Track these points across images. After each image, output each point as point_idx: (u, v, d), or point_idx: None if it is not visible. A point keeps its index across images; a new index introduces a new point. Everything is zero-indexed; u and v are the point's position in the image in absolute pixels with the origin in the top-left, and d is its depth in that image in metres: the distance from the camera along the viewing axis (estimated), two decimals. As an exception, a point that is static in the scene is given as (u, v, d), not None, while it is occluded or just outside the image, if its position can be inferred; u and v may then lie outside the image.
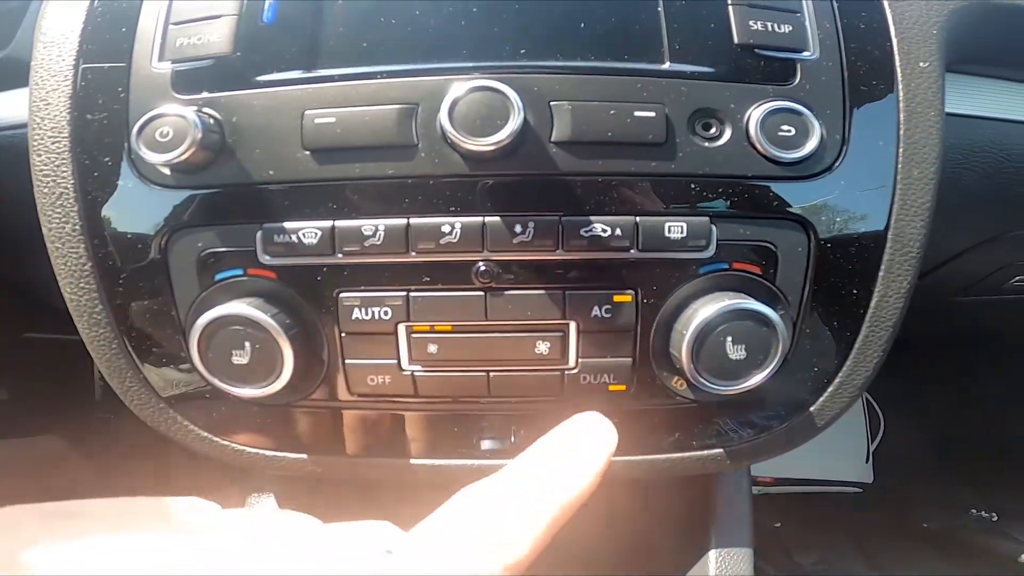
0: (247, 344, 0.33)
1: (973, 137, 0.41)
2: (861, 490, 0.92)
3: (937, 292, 0.58)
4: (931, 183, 0.34)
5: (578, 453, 0.24)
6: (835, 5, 0.36)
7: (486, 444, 0.40)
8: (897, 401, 1.00)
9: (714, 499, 0.49)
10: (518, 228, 0.33)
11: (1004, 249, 0.49)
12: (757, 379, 0.33)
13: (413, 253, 0.34)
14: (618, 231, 0.33)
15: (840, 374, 0.37)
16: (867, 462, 0.94)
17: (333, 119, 0.34)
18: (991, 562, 0.72)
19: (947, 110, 0.40)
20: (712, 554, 0.48)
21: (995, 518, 0.79)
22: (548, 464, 0.23)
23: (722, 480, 0.49)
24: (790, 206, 0.34)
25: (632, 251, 0.34)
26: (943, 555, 0.78)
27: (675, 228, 0.33)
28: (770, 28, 0.35)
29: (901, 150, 0.35)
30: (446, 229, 0.33)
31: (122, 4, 0.37)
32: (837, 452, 0.94)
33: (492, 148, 0.32)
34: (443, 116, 0.32)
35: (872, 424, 0.97)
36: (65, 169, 0.36)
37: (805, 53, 0.35)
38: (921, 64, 0.36)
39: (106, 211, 0.36)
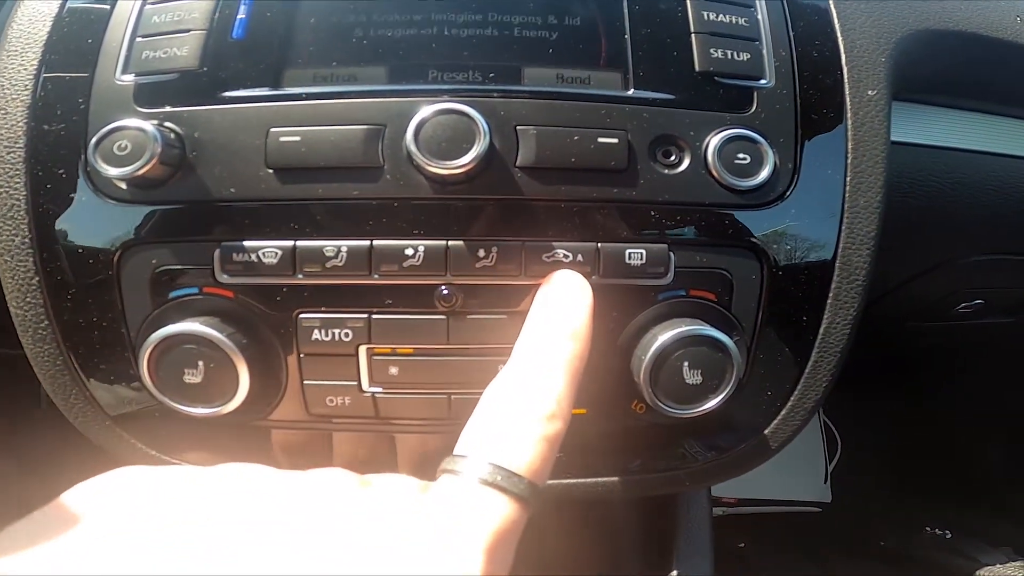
0: (200, 363, 0.33)
1: (919, 166, 0.44)
2: (820, 510, 0.95)
3: (889, 318, 0.61)
4: (876, 212, 0.36)
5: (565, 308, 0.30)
6: (791, 33, 0.38)
7: (443, 466, 0.40)
8: (854, 422, 1.03)
9: (676, 526, 0.50)
10: (481, 252, 0.34)
11: (950, 276, 0.52)
12: (713, 403, 0.34)
13: (376, 275, 0.34)
14: (580, 257, 0.34)
15: (792, 398, 0.38)
16: (825, 482, 0.97)
17: (298, 138, 0.34)
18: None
19: (895, 139, 0.42)
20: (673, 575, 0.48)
21: (949, 535, 0.82)
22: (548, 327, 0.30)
23: (683, 506, 0.50)
24: (744, 234, 0.35)
25: (593, 277, 0.34)
26: (899, 573, 0.80)
27: (635, 255, 0.34)
28: (730, 56, 0.36)
29: (848, 179, 0.36)
30: (409, 252, 0.33)
31: (90, 15, 0.37)
32: (796, 473, 0.96)
33: (457, 172, 0.32)
34: (409, 138, 0.32)
35: (830, 445, 1.00)
36: (18, 181, 0.35)
37: (762, 81, 0.37)
38: (869, 92, 0.38)
39: (58, 225, 0.35)
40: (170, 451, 0.38)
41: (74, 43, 0.36)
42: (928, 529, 0.82)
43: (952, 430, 0.96)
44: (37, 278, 0.35)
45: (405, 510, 0.24)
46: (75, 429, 0.38)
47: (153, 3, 0.36)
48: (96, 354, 0.35)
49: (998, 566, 0.68)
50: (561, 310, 0.31)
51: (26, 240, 0.35)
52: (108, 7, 0.37)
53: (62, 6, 0.37)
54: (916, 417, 1.01)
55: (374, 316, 0.34)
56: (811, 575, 0.82)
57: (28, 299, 0.35)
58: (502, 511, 0.24)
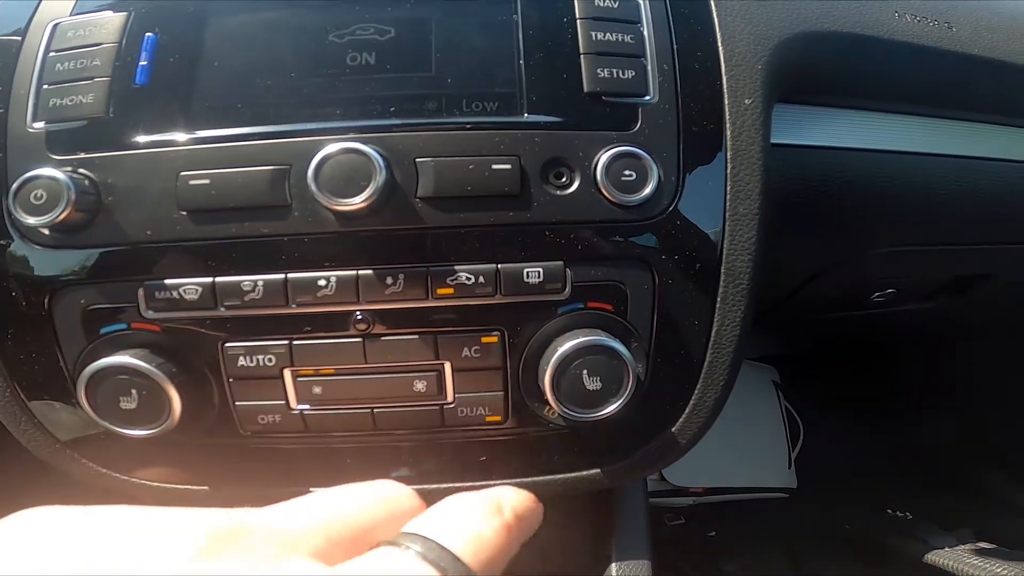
0: (133, 391, 0.37)
1: (808, 166, 0.48)
2: (787, 495, 1.01)
3: (806, 311, 0.66)
4: (756, 218, 0.41)
5: None
6: (675, 47, 0.42)
7: (378, 472, 0.45)
8: (817, 408, 1.09)
9: (613, 514, 0.55)
10: (389, 280, 0.38)
11: (857, 270, 0.57)
12: (613, 407, 0.39)
13: (293, 305, 0.38)
14: (481, 278, 0.39)
15: (693, 397, 0.43)
16: (790, 468, 1.03)
17: (208, 180, 0.38)
18: (906, 564, 0.81)
19: (789, 142, 0.46)
20: (613, 567, 0.54)
21: (910, 517, 0.88)
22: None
23: (619, 496, 0.55)
24: (634, 247, 0.40)
25: (496, 296, 0.39)
26: (862, 556, 0.86)
27: (533, 273, 0.39)
28: (616, 75, 0.40)
29: (729, 187, 0.41)
30: (322, 283, 0.38)
31: None
32: (761, 460, 1.02)
33: (355, 208, 0.37)
34: (310, 178, 0.37)
35: (792, 432, 1.06)
36: None
37: (646, 97, 0.41)
38: (746, 101, 0.42)
39: None
40: (122, 470, 0.43)
41: None
42: (890, 511, 0.88)
43: (910, 413, 1.02)
44: (-23, 321, 0.40)
45: None
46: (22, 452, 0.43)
47: (56, 51, 0.40)
48: (39, 385, 0.40)
49: (947, 549, 0.74)
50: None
51: (-38, 286, 0.39)
52: (14, 51, 0.41)
53: None
54: (877, 401, 1.07)
55: (295, 342, 0.39)
56: (779, 560, 0.89)
57: (-30, 340, 0.40)
58: None
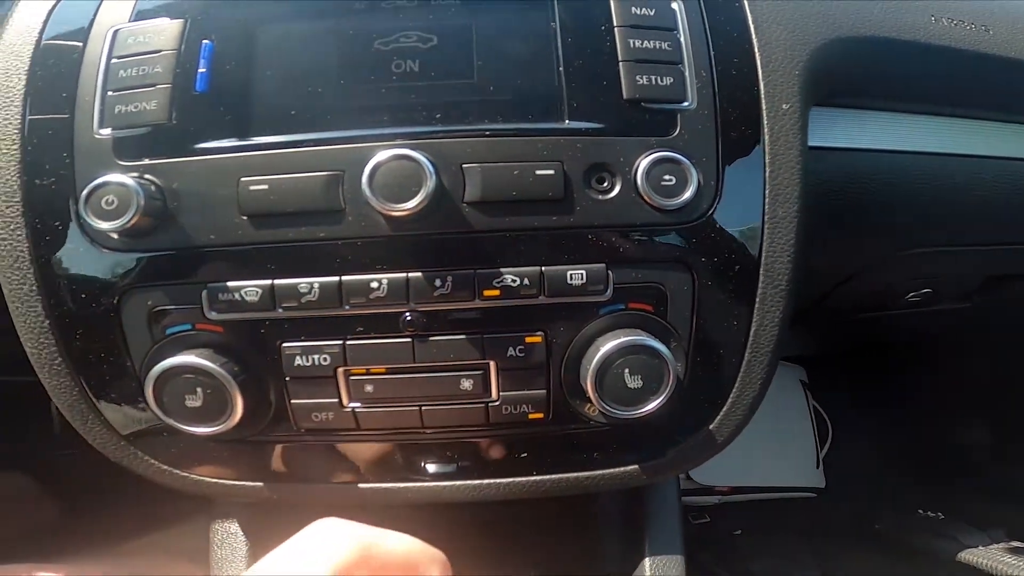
0: (198, 389, 0.40)
1: (848, 169, 0.49)
2: (815, 495, 1.01)
3: (841, 311, 0.67)
4: (794, 221, 0.42)
5: None
6: (712, 53, 0.43)
7: (425, 468, 0.47)
8: (846, 408, 1.09)
9: (647, 510, 0.56)
10: (438, 282, 0.40)
11: (890, 271, 0.58)
12: (653, 405, 0.41)
13: (346, 307, 0.40)
14: (526, 280, 0.41)
15: (731, 395, 0.45)
16: (818, 467, 1.03)
17: (267, 186, 0.40)
18: (937, 563, 0.81)
19: (824, 144, 0.47)
20: (647, 561, 0.55)
21: (941, 517, 0.88)
22: None
23: (653, 492, 0.57)
24: (674, 250, 0.42)
25: (540, 297, 0.41)
26: (891, 555, 0.86)
27: (576, 275, 0.41)
28: (654, 81, 0.42)
29: (767, 191, 0.42)
30: (374, 285, 0.40)
31: (60, 69, 0.42)
32: (789, 459, 1.03)
33: (407, 212, 0.38)
34: (364, 184, 0.38)
35: (821, 431, 1.06)
36: (20, 233, 0.41)
37: (684, 103, 0.42)
38: (784, 106, 0.43)
39: (60, 273, 0.41)
40: (179, 466, 0.45)
41: (50, 96, 0.42)
42: (921, 511, 0.88)
43: (942, 412, 1.02)
44: (48, 321, 0.42)
45: None
46: (88, 451, 0.45)
47: (118, 57, 0.42)
48: (106, 384, 0.43)
49: (980, 548, 0.74)
50: None
51: (33, 288, 0.42)
52: (76, 57, 0.42)
53: (33, 58, 0.42)
54: (907, 401, 1.07)
55: (348, 342, 0.41)
56: (806, 558, 0.89)
57: (41, 340, 0.42)
58: None
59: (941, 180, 0.50)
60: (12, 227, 0.41)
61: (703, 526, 0.97)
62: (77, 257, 0.41)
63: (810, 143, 0.45)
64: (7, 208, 0.41)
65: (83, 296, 0.41)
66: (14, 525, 0.82)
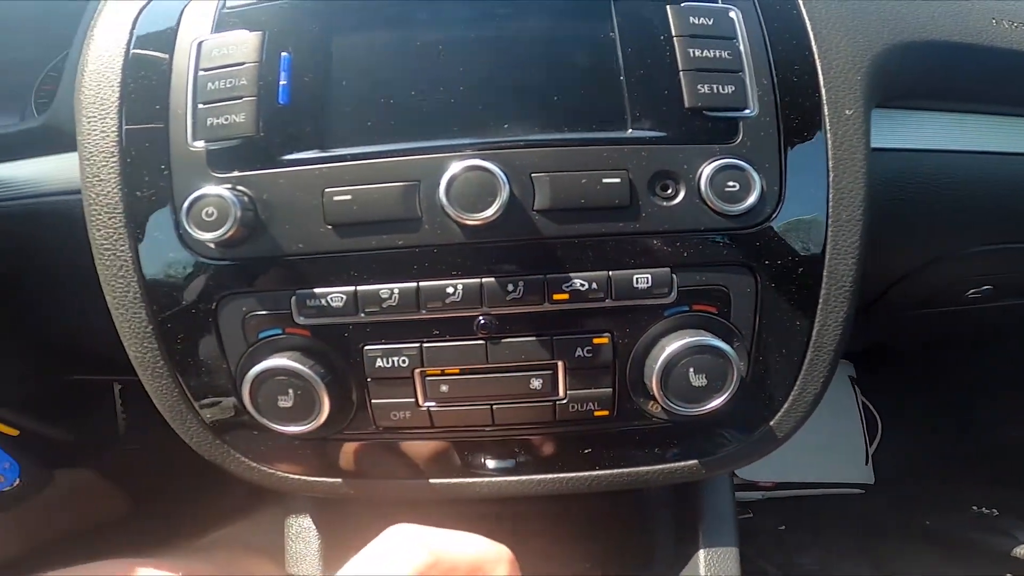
0: (290, 391, 0.43)
1: (907, 170, 0.50)
2: (863, 491, 1.01)
3: (898, 307, 0.67)
4: (859, 224, 0.43)
5: None
6: (772, 60, 0.44)
7: (493, 464, 0.50)
8: (897, 404, 1.08)
9: (701, 504, 0.58)
10: (510, 287, 0.43)
11: (951, 267, 0.58)
12: (717, 402, 0.43)
13: (424, 311, 0.43)
14: (594, 284, 0.43)
15: (792, 393, 0.46)
16: (867, 464, 1.03)
17: (349, 196, 0.42)
18: (990, 559, 0.81)
19: (884, 145, 0.48)
20: (701, 553, 0.57)
21: (995, 514, 0.87)
22: None
23: (707, 487, 0.58)
24: (738, 253, 0.43)
25: (607, 300, 0.43)
26: (944, 552, 0.86)
27: (641, 279, 0.43)
28: (716, 90, 0.43)
29: (831, 195, 0.43)
30: (450, 290, 0.43)
31: (151, 80, 0.45)
32: (836, 455, 1.03)
33: (483, 221, 0.41)
34: (442, 194, 0.41)
35: (870, 427, 1.06)
36: (123, 244, 0.44)
37: (746, 111, 0.43)
38: (847, 111, 0.44)
39: (163, 280, 0.45)
40: (265, 462, 0.49)
41: (145, 107, 0.44)
42: (975, 508, 0.88)
43: (995, 408, 1.00)
44: (151, 326, 0.46)
45: None
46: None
47: (205, 70, 0.44)
48: (203, 385, 0.46)
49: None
50: None
51: (137, 296, 0.45)
52: (165, 68, 0.44)
53: (124, 69, 0.44)
54: (958, 396, 1.05)
55: (425, 344, 0.44)
56: (854, 554, 0.89)
57: (144, 344, 0.46)
58: None
59: (1002, 179, 0.50)
60: (115, 238, 0.44)
61: (746, 521, 0.98)
62: (177, 266, 0.44)
63: (872, 144, 0.46)
64: (110, 220, 0.44)
65: (183, 303, 0.45)
66: (85, 519, 0.88)
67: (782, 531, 0.94)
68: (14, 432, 0.73)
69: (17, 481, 0.72)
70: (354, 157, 0.43)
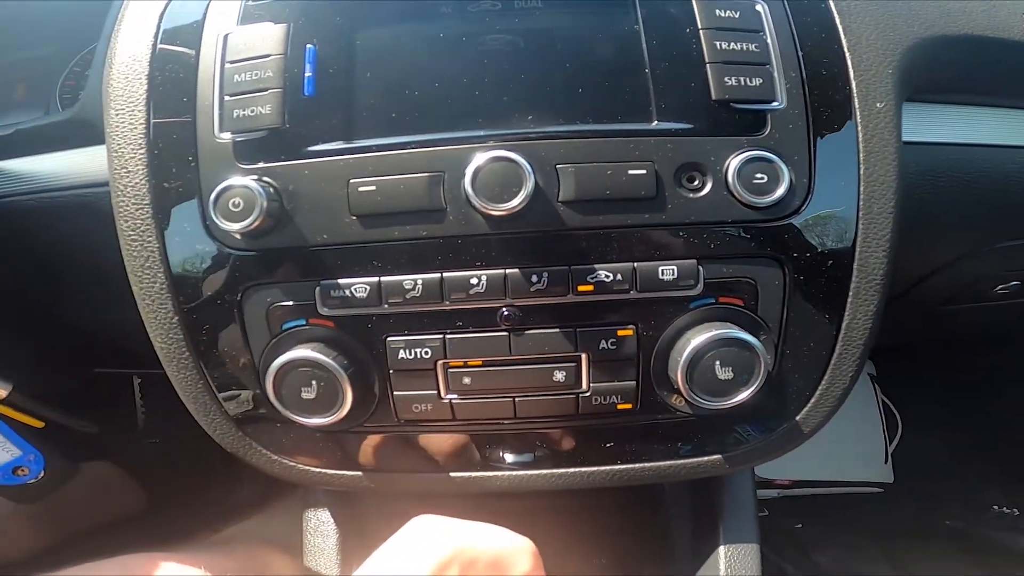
0: (313, 382, 0.43)
1: (936, 164, 0.49)
2: (882, 490, 1.00)
3: (924, 303, 0.66)
4: (890, 217, 0.43)
5: None
6: (800, 54, 0.43)
7: (512, 458, 0.50)
8: (917, 402, 1.07)
9: (722, 500, 0.58)
10: (534, 278, 0.43)
11: (978, 264, 0.57)
12: (743, 396, 0.42)
13: (447, 302, 0.43)
14: (619, 276, 0.42)
15: (820, 387, 0.46)
16: (886, 462, 1.02)
17: (374, 187, 0.42)
18: (1011, 559, 0.80)
19: (913, 139, 0.47)
20: (721, 550, 0.57)
21: (1016, 513, 0.86)
22: None
23: (728, 483, 0.58)
24: (766, 245, 0.43)
25: (632, 292, 0.43)
26: (964, 552, 0.85)
27: (667, 271, 0.42)
28: (743, 82, 0.42)
29: (862, 188, 0.43)
30: (474, 281, 0.43)
31: (178, 73, 0.45)
32: (854, 454, 1.02)
33: (508, 212, 0.41)
34: (467, 184, 0.41)
35: (890, 425, 1.05)
36: (151, 235, 0.44)
37: (774, 103, 0.43)
38: (878, 105, 0.43)
39: (189, 271, 0.45)
40: (287, 455, 0.49)
41: (172, 101, 0.44)
42: (995, 508, 0.87)
43: (1016, 407, 0.99)
44: (176, 317, 0.46)
45: None
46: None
47: (231, 62, 0.44)
48: (228, 378, 0.47)
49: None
50: None
51: (164, 286, 0.45)
52: (192, 61, 0.45)
53: (151, 63, 0.45)
54: (979, 394, 1.04)
55: (448, 336, 0.44)
56: (873, 554, 0.89)
57: (170, 335, 0.46)
58: None
59: None
60: (142, 229, 0.44)
61: (762, 520, 0.97)
62: (204, 257, 0.45)
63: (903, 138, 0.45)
64: (137, 211, 0.44)
65: (209, 294, 0.45)
66: (106, 511, 0.90)
67: (799, 529, 0.94)
68: (39, 424, 0.74)
69: (42, 473, 0.74)
70: (379, 148, 0.43)
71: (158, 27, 0.46)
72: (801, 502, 1.01)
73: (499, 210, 0.41)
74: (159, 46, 0.46)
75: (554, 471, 0.49)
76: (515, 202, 0.40)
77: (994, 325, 0.83)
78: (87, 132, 0.54)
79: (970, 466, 0.98)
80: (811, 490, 0.99)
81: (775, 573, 0.84)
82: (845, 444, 1.01)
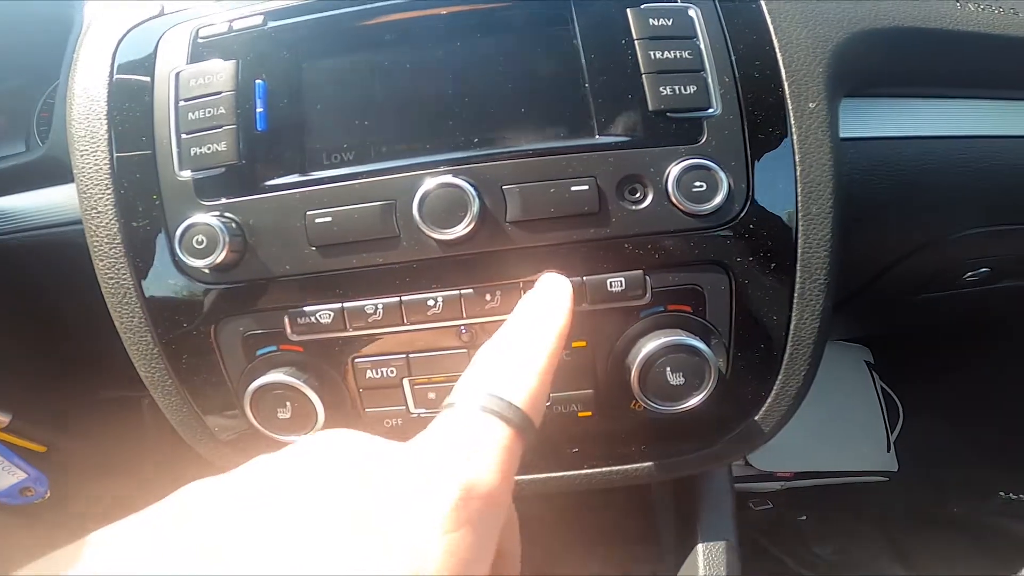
0: (288, 403, 0.46)
1: (880, 158, 0.50)
2: (887, 479, 1.00)
3: (897, 295, 0.67)
4: (829, 217, 0.44)
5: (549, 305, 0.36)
6: (732, 57, 0.45)
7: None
8: (919, 390, 1.07)
9: (700, 500, 0.60)
10: (488, 296, 0.45)
11: (941, 252, 0.58)
12: (696, 399, 0.44)
13: (408, 323, 0.46)
14: (569, 290, 0.45)
15: (775, 387, 0.47)
16: (889, 451, 1.02)
17: (330, 218, 0.45)
18: (1020, 545, 0.80)
19: (852, 135, 0.48)
20: (699, 548, 0.59)
21: (1024, 497, 0.86)
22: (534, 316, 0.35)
23: (706, 483, 0.60)
24: (709, 252, 0.45)
25: (583, 305, 0.45)
26: (971, 539, 0.85)
27: (615, 283, 0.45)
28: (678, 91, 0.44)
29: (799, 189, 0.44)
30: (431, 303, 0.46)
31: (136, 112, 0.47)
32: (855, 443, 1.02)
33: (456, 237, 0.44)
34: (415, 212, 0.44)
35: (891, 413, 1.05)
36: (125, 273, 0.48)
37: (710, 110, 0.44)
38: (810, 104, 0.44)
39: (164, 306, 0.48)
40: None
41: (132, 141, 0.46)
42: (1002, 494, 0.87)
43: (1019, 390, 0.98)
44: (157, 348, 0.50)
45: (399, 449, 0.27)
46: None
47: (185, 100, 0.46)
48: (210, 401, 0.50)
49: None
50: (546, 294, 0.37)
51: (142, 320, 0.49)
52: (148, 99, 0.47)
53: (109, 101, 0.47)
54: (981, 380, 1.03)
55: (411, 355, 0.47)
56: (877, 543, 0.90)
57: (153, 365, 0.50)
58: (502, 436, 0.27)
59: (982, 162, 0.50)
60: (117, 267, 0.48)
61: (765, 512, 0.99)
62: (176, 291, 0.48)
63: (844, 134, 0.47)
64: (111, 250, 0.48)
65: (185, 325, 0.49)
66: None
67: (803, 520, 0.95)
68: (41, 449, 0.79)
69: (47, 494, 0.79)
70: (333, 180, 0.46)
71: (112, 64, 0.49)
72: (807, 494, 1.02)
73: (447, 235, 0.43)
74: (115, 80, 0.48)
75: (525, 476, 0.52)
76: (461, 227, 0.43)
77: (975, 311, 0.83)
78: (61, 170, 0.57)
79: (975, 452, 0.98)
80: (815, 481, 1.00)
81: (775, 566, 0.86)
82: (846, 434, 1.01)
